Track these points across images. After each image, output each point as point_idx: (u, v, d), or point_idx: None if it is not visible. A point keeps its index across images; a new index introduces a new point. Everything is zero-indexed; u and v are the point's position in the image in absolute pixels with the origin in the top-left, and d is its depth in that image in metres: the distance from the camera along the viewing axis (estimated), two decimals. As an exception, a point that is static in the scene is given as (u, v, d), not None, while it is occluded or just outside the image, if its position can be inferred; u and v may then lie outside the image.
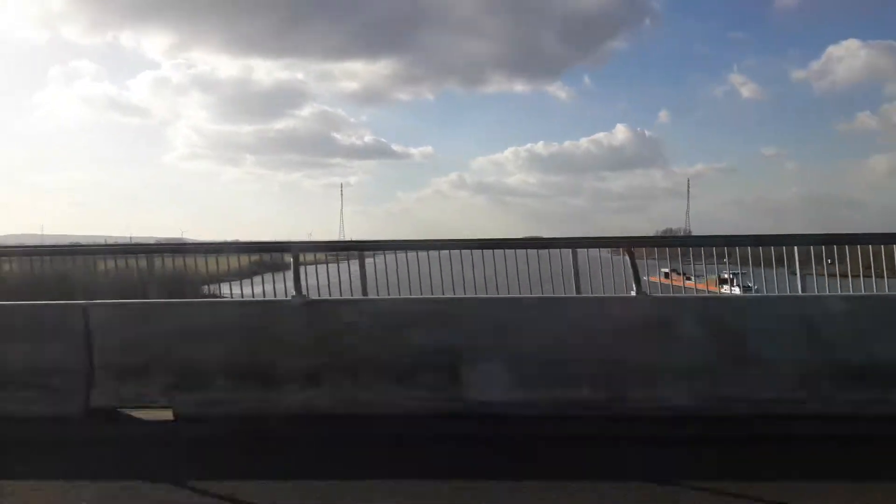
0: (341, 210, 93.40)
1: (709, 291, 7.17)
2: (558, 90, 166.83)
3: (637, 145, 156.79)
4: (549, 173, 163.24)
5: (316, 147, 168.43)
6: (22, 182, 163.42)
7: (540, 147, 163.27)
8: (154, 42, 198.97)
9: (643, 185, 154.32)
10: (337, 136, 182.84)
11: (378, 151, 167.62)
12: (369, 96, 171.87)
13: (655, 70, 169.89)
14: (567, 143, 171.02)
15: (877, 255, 6.77)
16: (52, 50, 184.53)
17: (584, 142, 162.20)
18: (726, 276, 7.23)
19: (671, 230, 41.75)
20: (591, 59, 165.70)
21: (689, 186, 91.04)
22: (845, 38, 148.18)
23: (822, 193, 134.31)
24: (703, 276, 7.57)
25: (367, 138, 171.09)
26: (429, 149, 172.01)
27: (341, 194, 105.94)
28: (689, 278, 7.79)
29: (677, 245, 8.60)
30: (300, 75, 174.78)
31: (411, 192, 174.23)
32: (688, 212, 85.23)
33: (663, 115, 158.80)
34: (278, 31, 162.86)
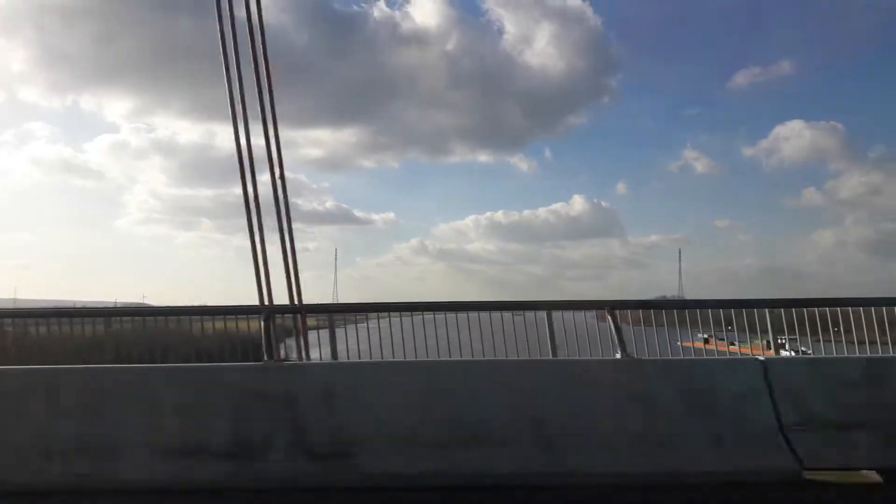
0: (335, 274, 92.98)
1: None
2: (520, 161, 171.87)
3: (594, 216, 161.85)
4: (509, 241, 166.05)
5: (275, 212, 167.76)
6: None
7: (500, 215, 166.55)
8: (115, 106, 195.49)
9: (600, 255, 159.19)
10: (298, 201, 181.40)
11: (339, 217, 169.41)
12: (333, 163, 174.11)
13: (613, 144, 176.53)
14: (526, 213, 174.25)
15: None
16: (7, 112, 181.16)
17: (542, 211, 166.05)
18: (780, 341, 6.94)
19: (665, 297, 41.64)
20: (553, 132, 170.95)
21: (680, 255, 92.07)
22: (791, 118, 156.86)
23: (774, 265, 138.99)
24: (746, 341, 7.28)
25: (329, 204, 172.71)
26: (391, 215, 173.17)
27: (335, 259, 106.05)
28: (732, 343, 7.49)
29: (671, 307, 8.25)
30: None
31: (372, 258, 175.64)
32: (680, 277, 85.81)
33: (621, 187, 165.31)
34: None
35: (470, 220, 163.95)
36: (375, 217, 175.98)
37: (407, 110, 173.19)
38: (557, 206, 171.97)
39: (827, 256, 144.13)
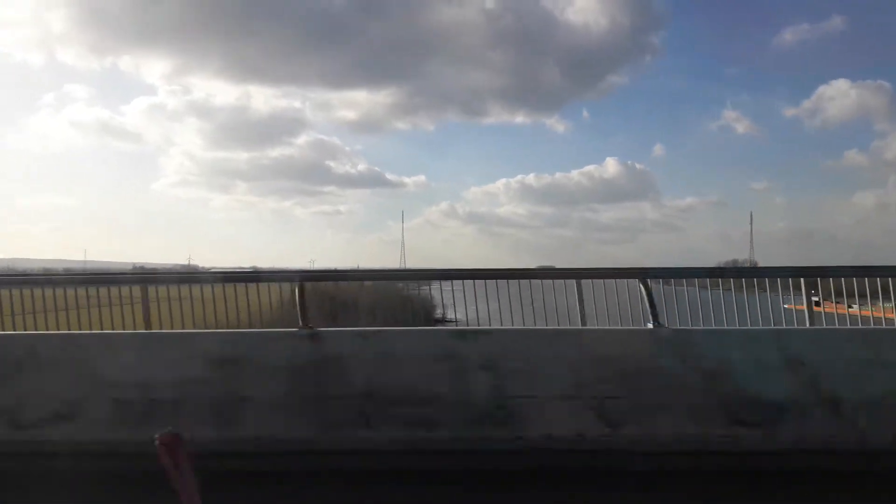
0: (402, 237, 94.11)
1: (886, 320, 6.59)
2: (556, 123, 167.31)
3: (627, 178, 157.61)
4: (540, 204, 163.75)
5: (309, 175, 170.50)
6: (10, 206, 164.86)
7: (531, 179, 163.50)
8: (153, 67, 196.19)
9: (632, 217, 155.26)
10: (331, 164, 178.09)
11: (371, 180, 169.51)
12: (367, 125, 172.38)
13: (654, 104, 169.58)
14: (558, 175, 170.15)
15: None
16: (47, 73, 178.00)
17: (575, 174, 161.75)
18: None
19: (737, 261, 40.89)
20: (592, 92, 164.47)
21: (752, 219, 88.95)
22: (837, 77, 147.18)
23: (807, 227, 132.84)
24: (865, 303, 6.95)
25: (361, 167, 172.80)
26: (422, 178, 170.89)
27: (402, 220, 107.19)
28: (851, 306, 7.14)
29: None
30: (297, 103, 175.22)
31: (403, 222, 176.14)
32: (751, 242, 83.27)
33: (658, 149, 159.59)
34: (280, 58, 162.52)
35: (501, 183, 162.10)
36: (407, 180, 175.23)
37: (445, 71, 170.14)
38: (590, 168, 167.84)
39: (865, 219, 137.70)
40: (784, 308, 7.77)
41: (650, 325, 5.84)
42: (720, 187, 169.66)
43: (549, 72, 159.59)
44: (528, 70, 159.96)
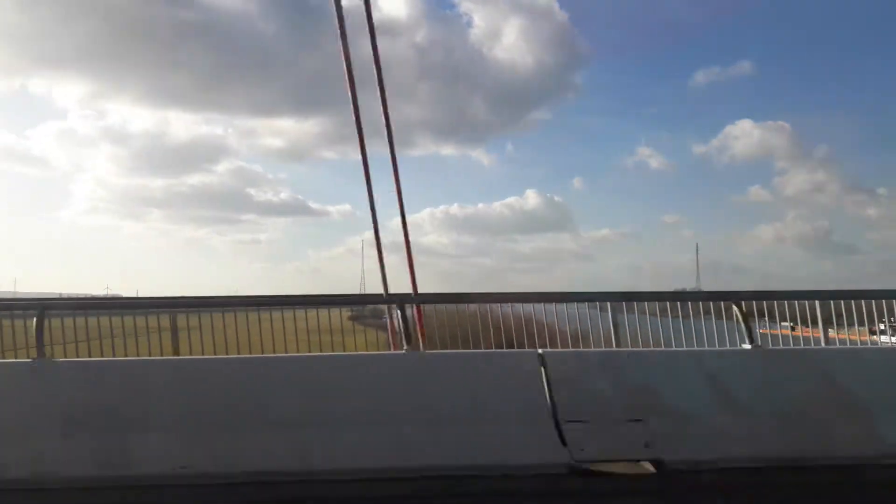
0: (362, 265, 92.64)
1: (861, 342, 7.22)
2: (482, 155, 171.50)
3: (546, 210, 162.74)
4: (463, 234, 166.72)
5: (228, 203, 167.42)
6: None
7: (455, 209, 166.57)
8: (67, 91, 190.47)
9: (551, 248, 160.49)
10: (252, 191, 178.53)
11: (294, 208, 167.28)
12: (294, 153, 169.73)
13: (574, 139, 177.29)
14: (481, 206, 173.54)
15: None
16: None
17: (497, 205, 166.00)
18: (881, 327, 7.27)
19: (684, 289, 41.83)
20: (517, 126, 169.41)
21: (697, 249, 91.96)
22: (744, 117, 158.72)
23: (713, 259, 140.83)
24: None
25: (284, 195, 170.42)
26: (347, 207, 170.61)
27: (362, 250, 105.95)
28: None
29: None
30: (220, 130, 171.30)
31: (323, 251, 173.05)
32: (698, 271, 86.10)
33: (577, 182, 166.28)
34: (205, 85, 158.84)
35: (426, 212, 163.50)
36: (331, 209, 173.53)
37: (375, 103, 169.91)
38: (511, 199, 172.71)
39: (765, 252, 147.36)
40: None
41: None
42: (633, 220, 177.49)
43: (477, 106, 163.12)
44: (456, 104, 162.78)
